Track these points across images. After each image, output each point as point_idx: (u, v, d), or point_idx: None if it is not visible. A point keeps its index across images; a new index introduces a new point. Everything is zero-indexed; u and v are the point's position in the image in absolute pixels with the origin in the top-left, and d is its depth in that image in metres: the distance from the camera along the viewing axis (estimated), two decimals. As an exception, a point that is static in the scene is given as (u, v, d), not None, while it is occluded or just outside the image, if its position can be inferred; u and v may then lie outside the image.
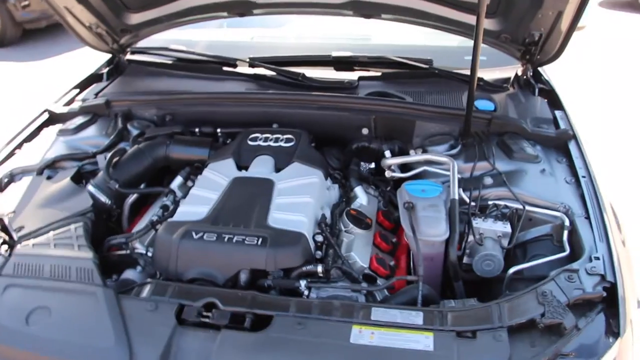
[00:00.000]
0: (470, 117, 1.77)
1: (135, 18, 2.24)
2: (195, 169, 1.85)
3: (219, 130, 1.98)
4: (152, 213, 1.71)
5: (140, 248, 1.55)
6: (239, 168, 1.73)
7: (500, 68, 2.31)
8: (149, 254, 1.53)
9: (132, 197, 1.78)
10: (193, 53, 2.34)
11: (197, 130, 1.99)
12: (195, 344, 1.21)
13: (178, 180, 1.83)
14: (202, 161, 1.85)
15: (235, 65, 2.29)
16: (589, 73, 5.70)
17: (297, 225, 1.48)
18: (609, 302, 1.32)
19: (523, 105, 2.10)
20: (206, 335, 1.22)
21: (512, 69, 2.30)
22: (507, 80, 2.24)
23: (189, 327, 1.23)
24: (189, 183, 1.83)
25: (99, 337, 1.20)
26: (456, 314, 1.26)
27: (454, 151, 1.83)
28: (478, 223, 1.58)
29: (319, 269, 1.41)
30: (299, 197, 1.59)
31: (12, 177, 1.85)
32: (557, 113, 2.05)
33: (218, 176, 1.68)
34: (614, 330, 1.29)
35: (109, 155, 1.77)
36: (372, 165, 1.95)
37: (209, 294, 1.30)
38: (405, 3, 2.02)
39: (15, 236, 1.54)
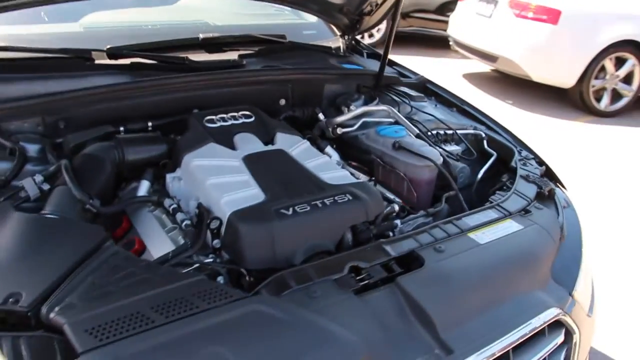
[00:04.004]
0: (382, 74, 2.04)
1: None
2: (161, 167, 1.50)
3: (150, 123, 1.63)
4: (153, 229, 1.33)
5: (206, 257, 1.22)
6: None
7: (330, 39, 2.59)
8: (226, 255, 1.23)
9: None
10: (28, 49, 1.76)
11: (121, 129, 1.58)
12: (387, 303, 1.13)
13: (145, 185, 1.45)
14: (161, 159, 1.52)
15: (91, 58, 1.86)
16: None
17: (348, 178, 1.47)
18: (548, 174, 1.84)
19: (369, 66, 2.45)
20: (387, 292, 1.15)
21: (336, 40, 2.61)
22: (339, 48, 2.55)
23: (368, 293, 1.13)
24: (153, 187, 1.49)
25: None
26: (505, 203, 1.54)
27: (375, 102, 2.04)
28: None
29: (396, 207, 1.45)
30: (319, 158, 1.54)
31: None
32: (395, 68, 2.50)
33: (222, 161, 1.44)
34: (562, 188, 1.81)
35: (63, 168, 1.27)
36: None
37: (338, 262, 1.20)
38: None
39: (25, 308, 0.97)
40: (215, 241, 1.26)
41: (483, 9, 6.29)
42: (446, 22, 7.23)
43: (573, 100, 5.77)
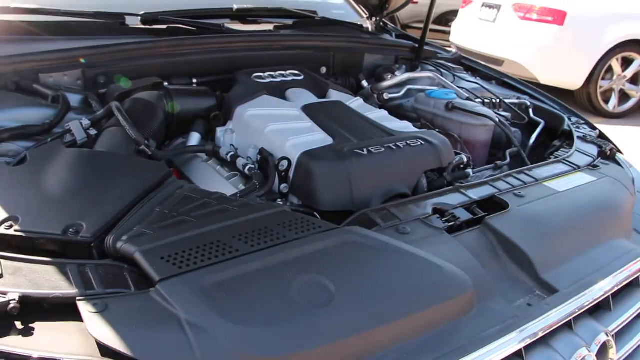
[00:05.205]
0: (424, 43, 1.97)
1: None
2: (212, 120, 1.40)
3: (194, 80, 1.54)
4: (212, 177, 1.23)
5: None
6: None
7: (358, 21, 2.53)
8: (294, 200, 1.14)
9: None
10: (62, 13, 1.65)
11: (166, 83, 1.49)
12: (479, 244, 1.04)
13: (196, 136, 1.36)
14: (210, 113, 1.43)
15: (123, 24, 1.77)
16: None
17: (412, 127, 1.38)
18: (601, 135, 1.76)
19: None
20: (477, 232, 1.06)
21: (364, 22, 2.55)
22: (367, 29, 2.49)
23: (460, 233, 1.05)
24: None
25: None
26: (571, 158, 1.46)
27: (418, 70, 1.97)
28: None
29: (465, 159, 1.37)
30: (377, 112, 1.46)
31: None
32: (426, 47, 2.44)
33: (280, 110, 1.35)
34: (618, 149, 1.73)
35: (115, 108, 1.18)
36: None
37: (419, 204, 1.11)
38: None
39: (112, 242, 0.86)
40: (283, 185, 1.16)
41: (486, 14, 6.31)
42: (447, 33, 7.25)
43: (581, 102, 5.74)
